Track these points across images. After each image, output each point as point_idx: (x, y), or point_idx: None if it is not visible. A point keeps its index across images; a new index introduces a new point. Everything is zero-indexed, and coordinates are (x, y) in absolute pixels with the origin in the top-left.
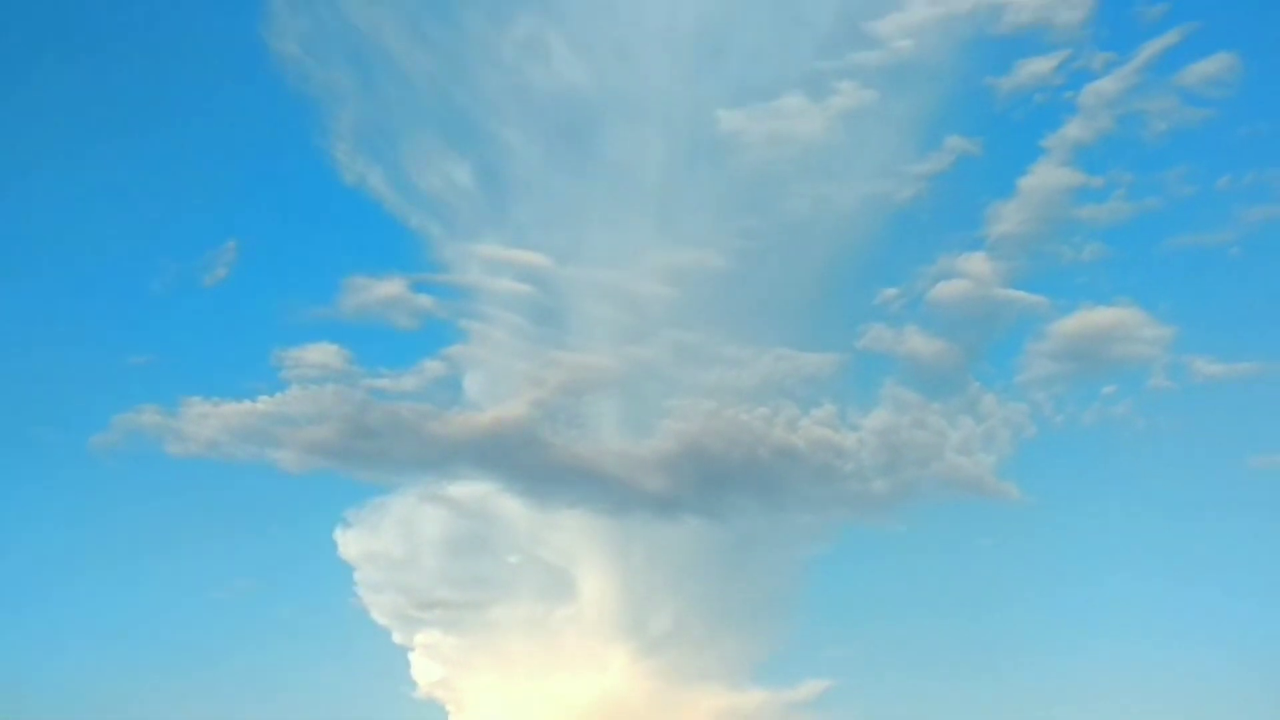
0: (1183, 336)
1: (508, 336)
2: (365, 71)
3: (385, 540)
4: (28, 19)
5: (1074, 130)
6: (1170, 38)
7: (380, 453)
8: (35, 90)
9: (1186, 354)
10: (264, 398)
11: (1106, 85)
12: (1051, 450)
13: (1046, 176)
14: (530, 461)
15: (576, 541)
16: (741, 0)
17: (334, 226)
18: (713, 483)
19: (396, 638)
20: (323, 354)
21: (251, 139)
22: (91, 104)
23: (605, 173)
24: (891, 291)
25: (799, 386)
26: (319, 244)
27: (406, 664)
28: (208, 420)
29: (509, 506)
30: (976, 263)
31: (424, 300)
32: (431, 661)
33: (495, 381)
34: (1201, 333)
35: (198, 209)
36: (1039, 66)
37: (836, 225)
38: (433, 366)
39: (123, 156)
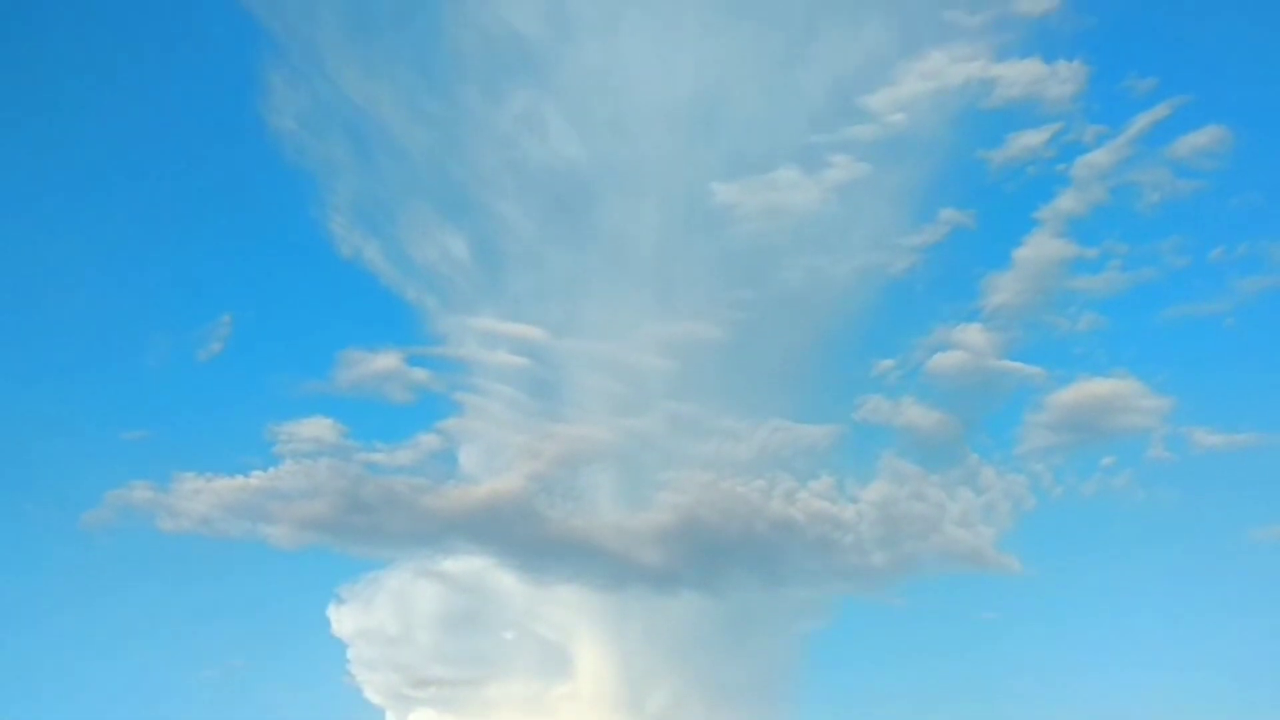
0: (1181, 407)
1: (503, 409)
2: (362, 146)
3: (379, 617)
4: (25, 92)
5: (1067, 202)
6: (1161, 111)
7: (374, 527)
8: (31, 162)
9: (1185, 425)
10: (257, 473)
11: (1099, 157)
12: (1052, 522)
13: (1041, 248)
14: (526, 535)
15: (573, 617)
16: (735, 74)
17: (330, 300)
18: (710, 556)
19: (391, 717)
20: (317, 428)
21: (248, 213)
22: (87, 177)
23: (601, 245)
24: (888, 363)
25: (796, 458)
26: (315, 318)
27: None
28: (200, 496)
29: (505, 581)
30: (973, 334)
31: (419, 374)
32: None
33: (491, 455)
34: (1200, 404)
35: (194, 284)
36: (1031, 139)
37: (832, 297)
38: (428, 440)
39: (119, 231)
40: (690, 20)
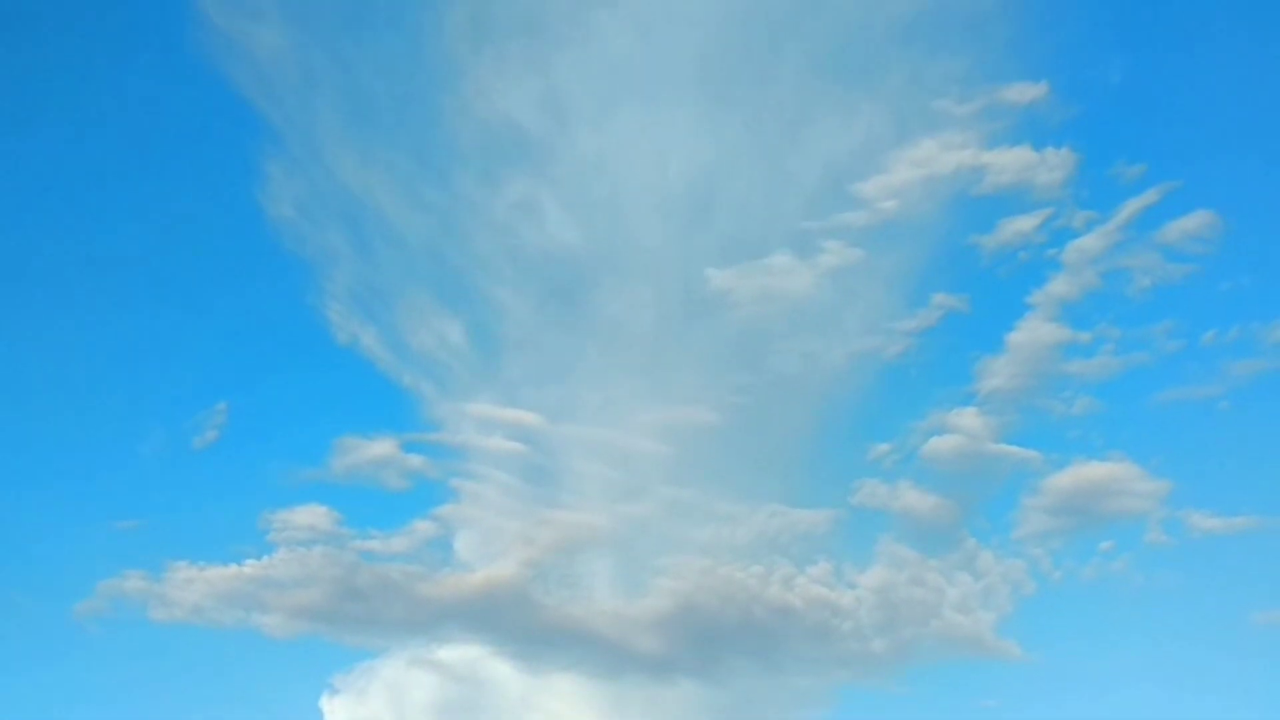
0: (1178, 491)
1: (499, 495)
2: (360, 233)
3: (373, 707)
4: (22, 177)
5: (1059, 286)
6: (1150, 196)
7: (369, 616)
8: (27, 246)
9: (1183, 508)
10: (251, 561)
11: (1089, 242)
12: (1052, 607)
13: (1034, 332)
14: (522, 623)
15: (570, 705)
16: (729, 161)
17: (326, 387)
18: (708, 643)
19: None
20: (312, 516)
21: (245, 301)
22: (83, 263)
23: (597, 330)
24: (884, 447)
25: (794, 543)
26: (311, 405)
27: None
28: (193, 585)
29: (500, 670)
30: (968, 418)
31: (415, 460)
32: None
33: (486, 541)
34: (1197, 487)
35: (190, 371)
36: (1022, 225)
37: (827, 381)
38: (423, 527)
39: (115, 317)
40: (685, 108)
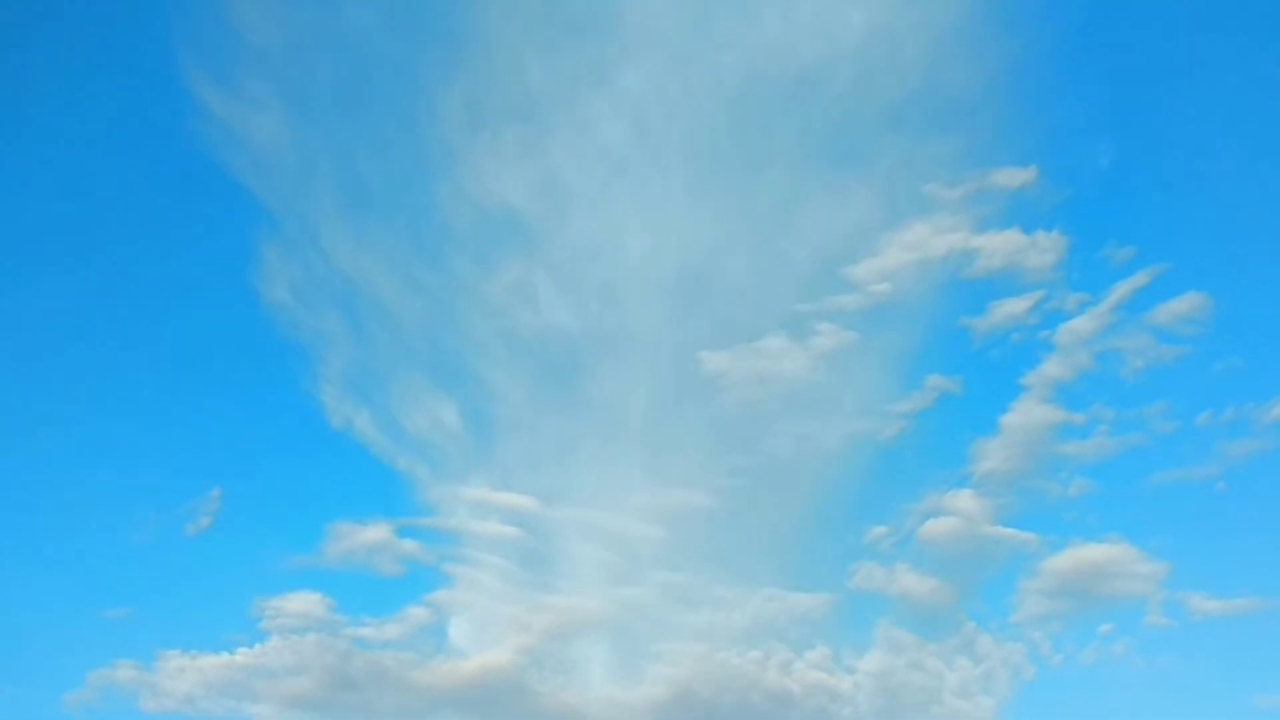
0: (1177, 573)
1: (494, 580)
2: (355, 317)
3: None
4: (19, 267)
5: (1052, 368)
6: (1140, 279)
7: (362, 704)
8: (20, 333)
9: (1182, 590)
10: (243, 650)
11: (1081, 324)
12: (1052, 691)
13: (1028, 414)
14: (516, 710)
15: None
16: (722, 245)
17: (320, 471)
18: None
19: None
20: (305, 603)
21: (240, 386)
22: (76, 348)
23: (592, 413)
24: (881, 529)
25: (791, 628)
26: (305, 490)
27: None
28: (185, 674)
29: None
30: (964, 500)
31: (409, 545)
32: None
33: (481, 628)
34: (1196, 569)
35: (183, 457)
36: (1014, 307)
37: (823, 464)
38: (417, 613)
39: (107, 404)
40: (679, 192)
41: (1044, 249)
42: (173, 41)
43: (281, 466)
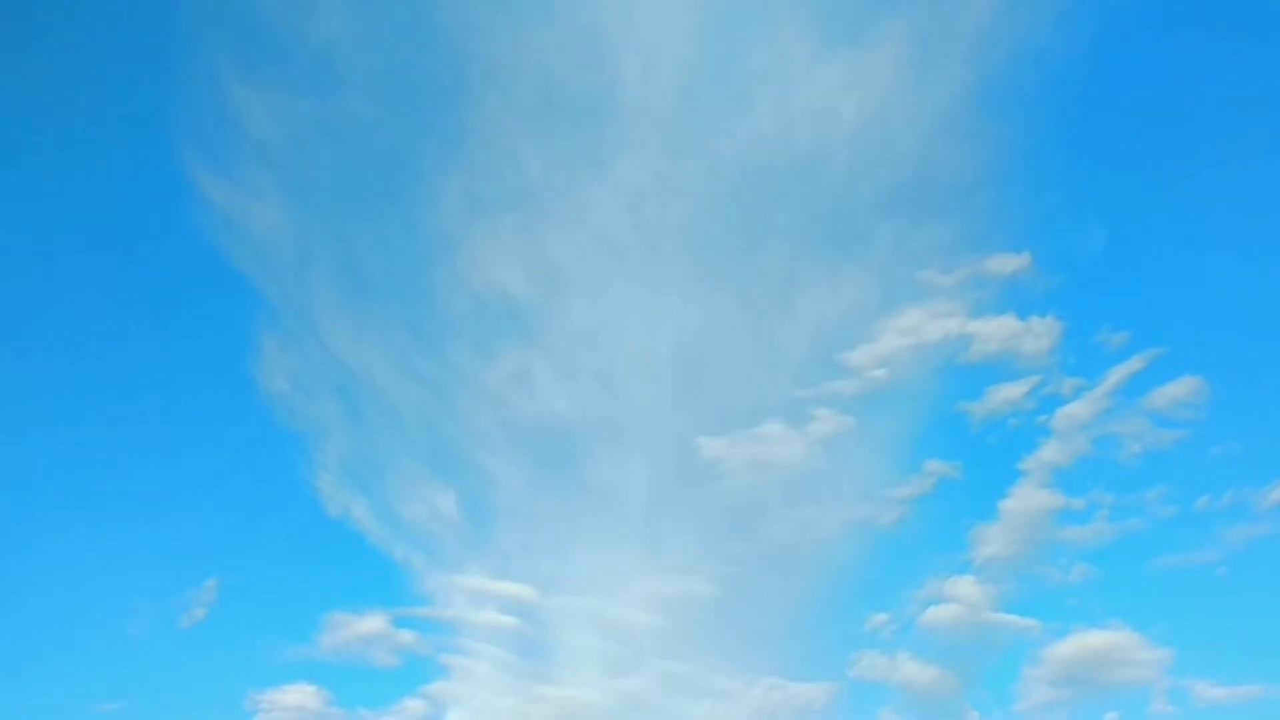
0: (1181, 659)
1: (491, 671)
2: (352, 405)
3: None
4: (19, 360)
5: (1050, 453)
6: (1136, 363)
7: None
8: (17, 424)
9: (1186, 677)
10: None
11: (1078, 409)
12: None
13: (1027, 499)
14: None
15: None
16: (720, 331)
17: (317, 561)
18: None
19: None
20: (300, 695)
21: (237, 475)
22: (70, 438)
23: (590, 500)
24: (881, 617)
25: (793, 718)
26: (301, 580)
27: None
28: None
29: None
30: (965, 586)
31: (406, 635)
32: None
33: (478, 719)
34: (1199, 655)
35: (179, 547)
36: (1011, 392)
37: (822, 550)
38: (413, 705)
39: (103, 494)
40: (675, 278)
41: (1039, 334)
42: (174, 132)
43: (278, 556)
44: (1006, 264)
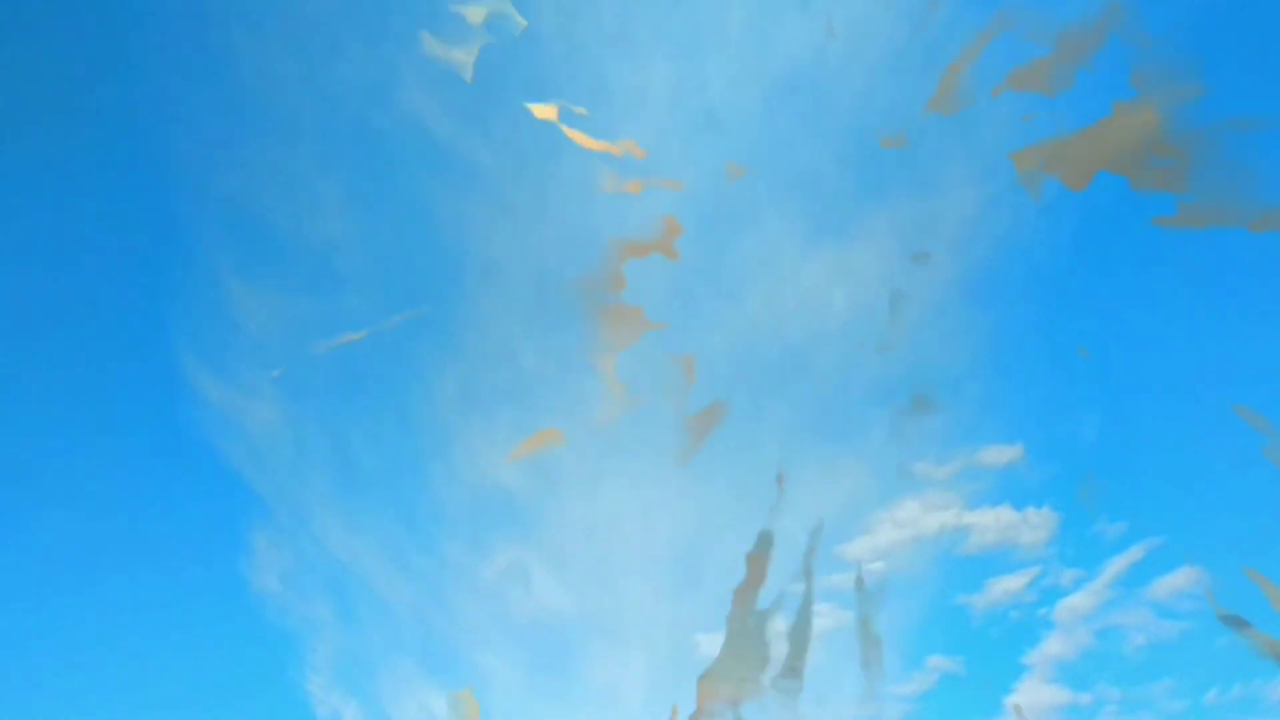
0: None
1: None
2: (345, 602)
3: None
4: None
5: (1054, 646)
6: (1134, 554)
7: None
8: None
9: None
10: None
11: (1079, 601)
12: None
13: (1033, 694)
14: None
15: None
16: (715, 524)
17: None
18: None
19: None
20: None
21: (224, 675)
22: (64, 644)
23: (586, 698)
24: None
25: None
26: None
27: None
28: None
29: None
30: None
31: None
32: None
33: None
34: None
35: None
36: (1010, 584)
37: None
38: None
39: (86, 691)
40: (671, 472)
41: (1035, 525)
42: (169, 329)
43: None
44: (1000, 454)
